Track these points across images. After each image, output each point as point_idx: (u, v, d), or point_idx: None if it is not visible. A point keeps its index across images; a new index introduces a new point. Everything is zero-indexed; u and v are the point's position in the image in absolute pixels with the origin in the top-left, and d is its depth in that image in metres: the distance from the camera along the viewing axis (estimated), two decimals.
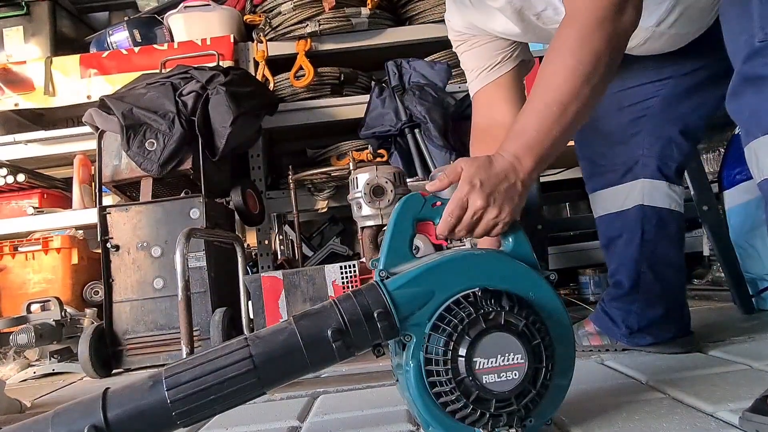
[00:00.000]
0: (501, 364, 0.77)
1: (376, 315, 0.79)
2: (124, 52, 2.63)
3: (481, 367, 0.77)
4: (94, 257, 2.47)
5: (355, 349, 0.80)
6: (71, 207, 2.60)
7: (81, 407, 0.77)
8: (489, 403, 0.77)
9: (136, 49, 2.64)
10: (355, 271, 1.61)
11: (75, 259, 2.38)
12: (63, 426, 0.75)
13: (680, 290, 1.35)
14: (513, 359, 0.78)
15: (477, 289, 0.80)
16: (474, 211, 0.84)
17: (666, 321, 1.31)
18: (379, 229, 1.56)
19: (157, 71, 2.39)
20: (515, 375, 0.78)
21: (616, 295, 1.35)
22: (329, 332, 0.78)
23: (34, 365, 2.04)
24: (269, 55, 2.59)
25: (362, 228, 1.59)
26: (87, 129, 2.20)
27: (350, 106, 2.58)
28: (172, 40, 2.69)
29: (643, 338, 1.32)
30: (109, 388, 0.79)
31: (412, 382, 0.80)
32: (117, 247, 1.97)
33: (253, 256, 2.63)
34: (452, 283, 0.81)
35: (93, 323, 2.02)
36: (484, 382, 0.77)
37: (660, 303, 1.31)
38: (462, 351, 0.77)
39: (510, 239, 0.88)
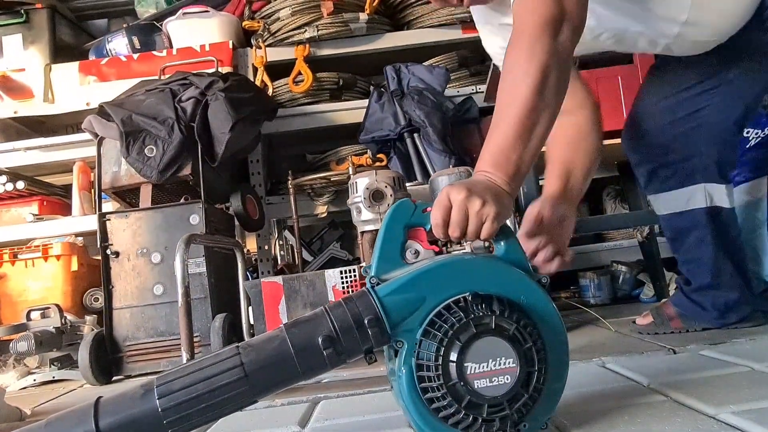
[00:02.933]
0: (492, 368, 0.77)
1: (366, 322, 0.79)
2: (123, 58, 2.64)
3: (472, 371, 0.77)
4: (93, 264, 2.47)
5: (347, 356, 0.80)
6: (71, 214, 2.60)
7: (73, 416, 0.77)
8: (481, 408, 0.77)
9: (135, 55, 2.65)
10: (355, 276, 1.61)
11: (75, 266, 2.38)
12: None
13: (746, 270, 1.50)
14: (505, 363, 0.77)
15: (468, 294, 0.79)
16: (458, 205, 0.84)
17: (745, 298, 1.47)
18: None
19: (156, 78, 2.39)
20: (507, 379, 0.77)
21: (700, 287, 1.50)
22: (320, 340, 0.78)
23: (34, 373, 2.04)
24: (268, 60, 2.60)
25: (362, 232, 1.59)
26: (86, 136, 2.21)
27: (349, 111, 2.59)
28: (171, 47, 2.70)
29: (731, 317, 1.47)
30: (101, 396, 0.79)
31: (405, 388, 0.79)
32: (117, 254, 1.97)
33: (253, 262, 2.62)
34: (443, 289, 0.80)
35: (93, 330, 2.02)
36: (476, 386, 0.77)
37: (738, 285, 1.47)
38: (453, 356, 0.77)
39: (502, 244, 0.88)
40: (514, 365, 0.77)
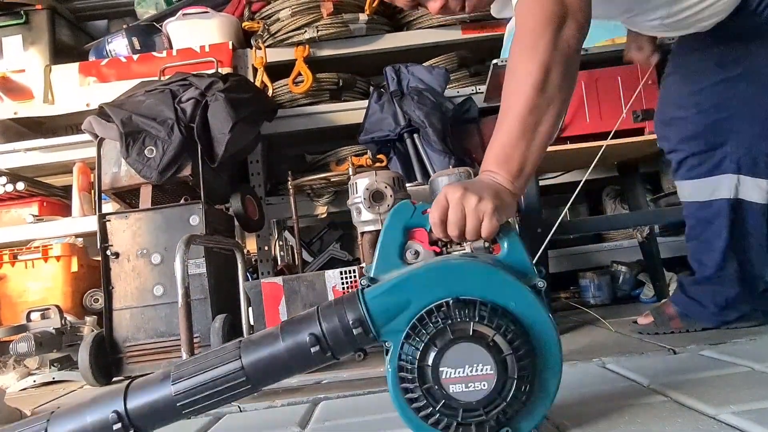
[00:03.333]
0: (469, 374, 0.78)
1: (351, 322, 0.82)
2: (123, 59, 2.64)
3: (447, 376, 0.78)
4: (93, 265, 2.47)
5: (333, 354, 0.84)
6: (71, 215, 2.60)
7: (108, 396, 0.88)
8: (456, 412, 0.78)
9: (135, 56, 2.64)
10: (355, 277, 1.61)
11: (75, 267, 2.38)
12: (95, 411, 0.87)
13: (751, 269, 1.48)
14: (481, 370, 0.78)
15: (450, 299, 0.80)
16: (454, 203, 0.85)
17: (744, 296, 1.47)
18: (378, 233, 1.56)
19: (156, 78, 2.39)
20: (483, 386, 0.78)
21: (700, 279, 1.51)
22: (307, 338, 0.83)
23: (34, 374, 2.04)
24: (268, 61, 2.60)
25: (362, 233, 1.59)
26: (86, 137, 2.20)
27: (349, 112, 2.59)
28: (171, 48, 2.70)
29: (730, 314, 1.48)
30: (132, 380, 0.90)
31: (390, 387, 0.82)
32: (117, 255, 1.97)
33: (253, 262, 2.62)
34: (428, 292, 0.81)
35: (93, 331, 2.02)
36: (451, 391, 0.78)
37: (738, 283, 1.47)
38: (429, 360, 0.78)
39: (504, 244, 0.87)
40: (492, 372, 0.77)
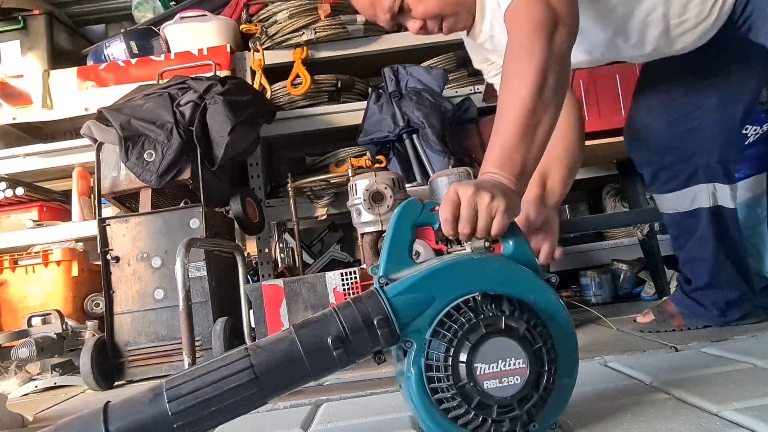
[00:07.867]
0: (502, 369, 0.77)
1: (376, 322, 0.78)
2: (121, 63, 2.64)
3: (482, 372, 0.77)
4: (94, 269, 2.46)
5: (356, 357, 0.80)
6: (71, 219, 2.60)
7: (82, 422, 0.76)
8: (491, 409, 0.77)
9: (133, 60, 2.64)
10: (356, 278, 1.61)
11: (75, 272, 2.38)
12: None
13: (747, 268, 1.50)
14: (514, 364, 0.77)
15: (477, 293, 0.79)
16: (467, 200, 0.85)
17: (745, 296, 1.48)
18: (379, 235, 1.57)
19: (155, 82, 2.39)
20: (517, 380, 0.77)
21: (699, 286, 1.50)
22: (330, 340, 0.78)
23: (35, 379, 2.03)
24: (266, 63, 2.60)
25: (362, 234, 1.59)
26: (85, 141, 2.21)
27: (348, 113, 2.59)
28: (169, 51, 2.70)
29: (732, 315, 1.48)
30: (110, 401, 0.78)
31: (414, 389, 0.79)
32: (117, 259, 1.97)
33: (254, 265, 2.62)
34: (452, 289, 0.80)
35: (94, 335, 2.02)
36: (486, 387, 0.77)
37: (739, 283, 1.48)
38: (462, 357, 0.77)
39: (510, 243, 0.87)
40: (524, 366, 0.77)
